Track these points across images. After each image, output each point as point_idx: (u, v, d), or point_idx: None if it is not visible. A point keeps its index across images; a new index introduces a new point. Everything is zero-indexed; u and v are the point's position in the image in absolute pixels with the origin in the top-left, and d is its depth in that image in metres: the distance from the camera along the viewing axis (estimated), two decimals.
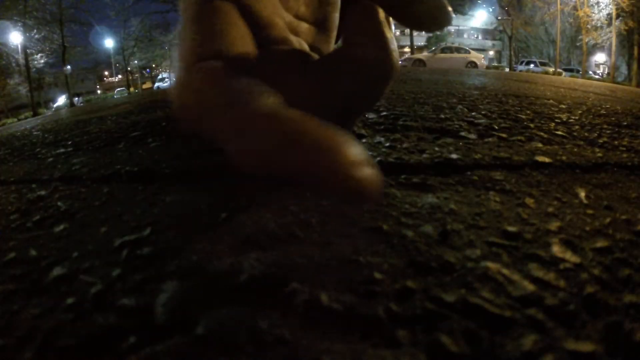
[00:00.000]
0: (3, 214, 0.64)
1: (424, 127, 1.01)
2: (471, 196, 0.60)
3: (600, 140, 0.97)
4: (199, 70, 0.25)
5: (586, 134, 1.03)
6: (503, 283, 0.38)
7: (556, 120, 1.17)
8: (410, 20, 0.37)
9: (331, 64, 0.34)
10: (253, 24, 0.32)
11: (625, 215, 0.55)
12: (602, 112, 1.43)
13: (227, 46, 0.29)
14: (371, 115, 1.15)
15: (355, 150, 0.18)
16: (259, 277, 0.40)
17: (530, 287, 0.38)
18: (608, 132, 1.07)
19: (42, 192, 0.72)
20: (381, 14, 0.38)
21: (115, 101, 3.17)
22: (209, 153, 0.86)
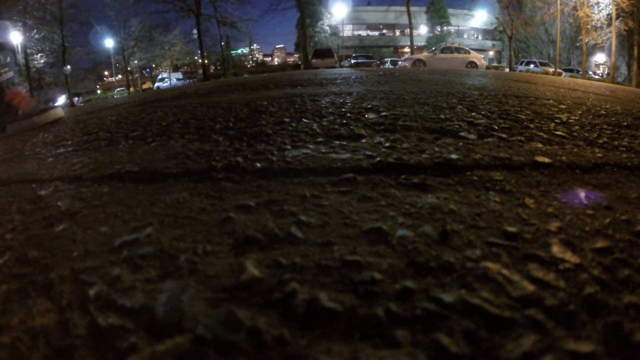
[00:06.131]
0: (3, 213, 0.64)
1: (424, 127, 1.01)
2: (471, 196, 0.60)
3: (600, 141, 0.97)
4: None
5: (586, 134, 1.03)
6: (503, 283, 0.38)
7: (556, 121, 1.17)
8: None
9: None
10: None
11: (625, 215, 0.55)
12: (602, 112, 1.43)
13: None
14: (371, 115, 1.15)
15: None
16: (259, 277, 0.40)
17: (530, 287, 0.38)
18: (608, 132, 1.07)
19: (42, 192, 0.72)
20: None
21: (115, 101, 3.18)
22: (209, 153, 0.86)
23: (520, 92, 1.90)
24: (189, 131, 1.11)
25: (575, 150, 0.87)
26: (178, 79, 27.04)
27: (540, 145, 0.89)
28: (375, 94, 1.64)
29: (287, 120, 1.13)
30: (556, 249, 0.45)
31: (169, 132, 1.14)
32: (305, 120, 1.12)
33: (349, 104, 1.36)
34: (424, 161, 0.75)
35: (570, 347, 0.31)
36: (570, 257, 0.43)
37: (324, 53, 17.48)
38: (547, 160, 0.77)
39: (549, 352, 0.31)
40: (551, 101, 1.62)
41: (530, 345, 0.31)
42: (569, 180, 0.68)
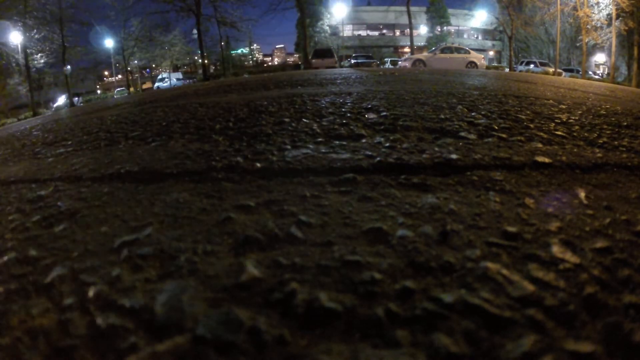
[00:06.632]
0: (3, 214, 0.64)
1: (424, 127, 1.01)
2: (471, 196, 0.60)
3: (600, 141, 0.97)
4: None
5: (586, 134, 1.03)
6: (503, 283, 0.38)
7: (556, 121, 1.17)
8: None
9: None
10: None
11: (625, 215, 0.55)
12: (602, 112, 1.43)
13: None
14: (371, 115, 1.15)
15: None
16: (259, 277, 0.40)
17: (530, 287, 0.38)
18: (608, 132, 1.07)
19: (42, 192, 0.72)
20: None
21: (115, 101, 3.18)
22: (209, 153, 0.86)
23: (520, 92, 1.90)
24: (189, 131, 1.11)
25: (575, 150, 0.87)
26: (178, 79, 27.03)
27: (540, 145, 0.89)
28: (375, 94, 1.64)
29: (287, 120, 1.13)
30: (556, 249, 0.45)
31: (169, 132, 1.14)
32: (305, 120, 1.12)
33: (349, 104, 1.36)
34: (424, 161, 0.75)
35: (570, 347, 0.31)
36: (570, 257, 0.43)
37: (324, 53, 17.47)
38: (547, 160, 0.77)
39: (549, 352, 0.31)
40: (551, 101, 1.62)
41: (530, 345, 0.31)
42: (569, 180, 0.68)
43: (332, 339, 0.32)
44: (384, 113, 1.18)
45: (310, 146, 0.86)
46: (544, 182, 0.66)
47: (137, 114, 1.63)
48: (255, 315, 0.35)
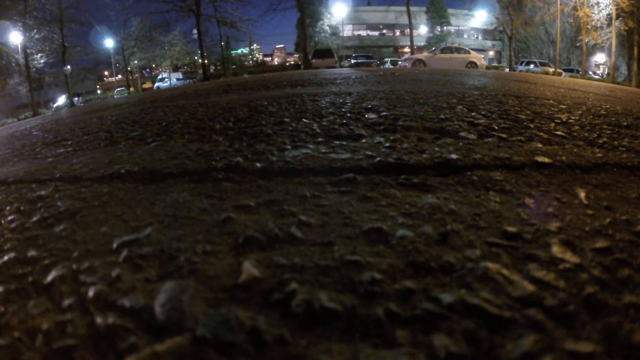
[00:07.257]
0: (3, 214, 0.64)
1: (424, 127, 1.01)
2: (471, 196, 0.60)
3: (600, 141, 0.97)
4: None
5: (586, 134, 1.03)
6: (503, 283, 0.38)
7: (556, 121, 1.17)
8: None
9: None
10: None
11: (625, 215, 0.55)
12: (602, 112, 1.43)
13: None
14: (371, 115, 1.15)
15: None
16: (259, 277, 0.40)
17: (530, 287, 0.38)
18: (608, 132, 1.07)
19: (42, 192, 0.72)
20: None
21: (115, 101, 3.18)
22: (209, 153, 0.86)
23: (520, 92, 1.90)
24: (189, 131, 1.11)
25: (575, 150, 0.87)
26: (178, 79, 27.01)
27: (540, 145, 0.88)
28: (375, 94, 1.64)
29: (287, 120, 1.13)
30: (556, 249, 0.45)
31: (169, 132, 1.14)
32: (305, 120, 1.12)
33: (349, 104, 1.36)
34: (424, 161, 0.75)
35: (570, 347, 0.31)
36: (570, 257, 0.43)
37: (324, 53, 17.47)
38: (547, 160, 0.77)
39: (549, 352, 0.31)
40: (551, 101, 1.61)
41: (530, 345, 0.31)
42: (569, 180, 0.68)
43: (332, 339, 0.32)
44: (384, 113, 1.18)
45: (310, 146, 0.86)
46: (544, 182, 0.66)
47: (137, 114, 1.63)
48: (255, 315, 0.35)
